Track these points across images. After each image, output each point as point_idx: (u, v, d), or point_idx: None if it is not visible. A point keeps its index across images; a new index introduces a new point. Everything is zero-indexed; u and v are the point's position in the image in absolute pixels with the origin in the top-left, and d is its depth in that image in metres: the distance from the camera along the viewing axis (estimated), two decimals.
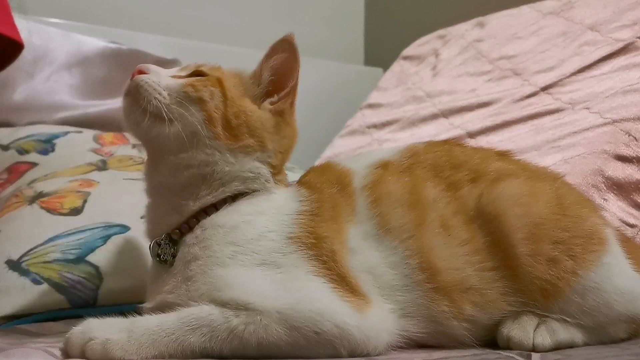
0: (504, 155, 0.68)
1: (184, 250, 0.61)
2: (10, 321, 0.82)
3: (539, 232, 0.60)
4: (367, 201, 0.63)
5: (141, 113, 0.62)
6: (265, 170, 0.65)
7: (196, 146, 0.62)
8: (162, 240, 0.63)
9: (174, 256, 0.61)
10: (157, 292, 0.60)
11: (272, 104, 0.67)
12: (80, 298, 0.85)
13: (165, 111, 0.61)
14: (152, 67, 0.65)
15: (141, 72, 0.64)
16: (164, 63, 1.51)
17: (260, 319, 0.54)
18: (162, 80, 0.64)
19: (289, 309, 0.54)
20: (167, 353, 0.53)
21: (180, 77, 0.66)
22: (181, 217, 0.63)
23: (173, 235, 0.62)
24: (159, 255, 0.62)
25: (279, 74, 0.67)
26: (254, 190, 0.64)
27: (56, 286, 0.85)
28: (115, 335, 0.52)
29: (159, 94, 0.62)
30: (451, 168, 0.64)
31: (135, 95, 0.63)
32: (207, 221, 0.61)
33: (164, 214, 0.64)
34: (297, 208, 0.62)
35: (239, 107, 0.64)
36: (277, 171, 0.66)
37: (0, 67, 0.92)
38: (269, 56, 0.68)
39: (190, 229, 0.62)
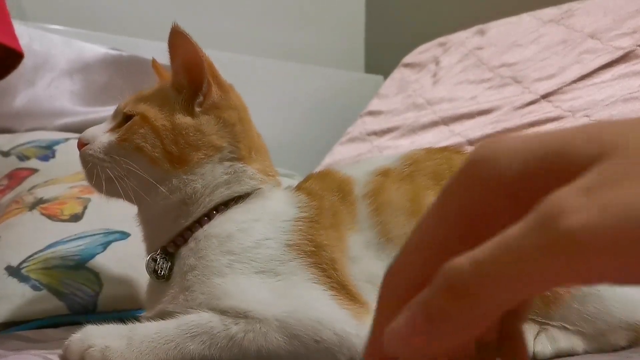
0: None
1: (180, 263, 0.61)
2: (10, 327, 0.82)
3: None
4: (368, 210, 0.63)
5: (97, 181, 0.64)
6: (238, 166, 0.64)
7: (159, 184, 0.62)
8: (157, 255, 0.62)
9: (170, 269, 0.61)
10: (155, 303, 0.60)
11: (200, 105, 0.65)
12: (80, 304, 0.85)
13: (113, 174, 0.63)
14: (89, 134, 0.66)
15: (82, 145, 0.65)
16: (165, 69, 1.51)
17: (260, 327, 0.54)
18: (99, 145, 0.64)
19: (288, 317, 0.54)
20: (167, 359, 0.53)
21: (114, 129, 0.66)
22: (175, 231, 0.62)
23: (169, 248, 0.62)
24: (155, 271, 0.62)
25: (190, 70, 0.65)
26: (246, 194, 0.64)
27: (56, 292, 0.85)
28: (114, 343, 0.52)
29: (101, 160, 0.63)
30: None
31: (85, 168, 0.65)
32: (200, 232, 0.61)
33: (157, 232, 0.64)
34: (295, 214, 0.62)
35: (173, 133, 0.63)
36: (250, 160, 0.66)
37: (1, 76, 0.92)
38: (172, 58, 0.65)
39: (185, 241, 0.62)
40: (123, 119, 0.65)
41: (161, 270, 0.61)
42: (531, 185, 0.25)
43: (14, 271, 0.86)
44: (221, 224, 0.61)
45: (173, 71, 0.66)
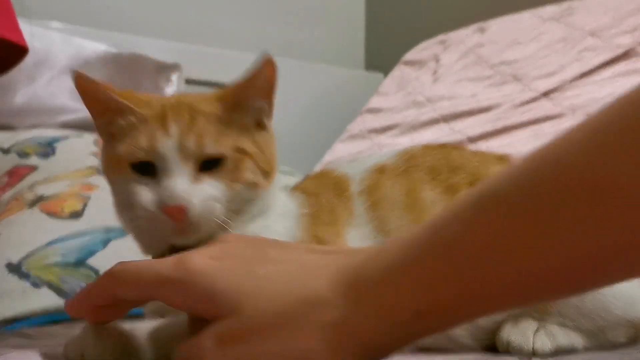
0: (502, 159, 0.68)
1: None
2: (10, 324, 0.82)
3: None
4: (365, 205, 0.63)
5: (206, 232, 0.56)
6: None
7: (254, 205, 0.60)
8: (166, 252, 0.60)
9: None
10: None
11: (268, 117, 0.61)
12: None
13: (225, 219, 0.56)
14: (181, 194, 0.54)
15: (180, 210, 0.54)
16: (166, 68, 1.51)
17: None
18: (210, 198, 0.55)
19: None
20: (168, 356, 0.52)
21: (197, 175, 0.55)
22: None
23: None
24: None
25: (267, 92, 0.60)
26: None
27: (56, 289, 0.85)
28: (114, 340, 0.52)
29: (219, 214, 0.56)
30: (449, 171, 0.64)
31: (202, 231, 0.56)
32: (235, 229, 0.59)
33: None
34: (298, 212, 0.62)
35: (262, 153, 0.59)
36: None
37: (4, 70, 0.92)
38: (255, 83, 0.59)
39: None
40: (201, 161, 0.55)
41: None
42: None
43: (14, 268, 0.87)
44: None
45: (247, 95, 0.59)
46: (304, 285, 0.39)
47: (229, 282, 0.41)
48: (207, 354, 0.40)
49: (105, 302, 0.47)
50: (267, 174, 0.59)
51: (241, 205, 0.57)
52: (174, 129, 0.55)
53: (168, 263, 0.43)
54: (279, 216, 0.61)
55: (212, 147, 0.55)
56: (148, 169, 0.56)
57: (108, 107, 0.59)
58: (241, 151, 0.57)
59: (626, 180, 0.30)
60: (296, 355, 0.38)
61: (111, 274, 0.45)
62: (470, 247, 0.35)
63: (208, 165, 0.56)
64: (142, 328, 0.53)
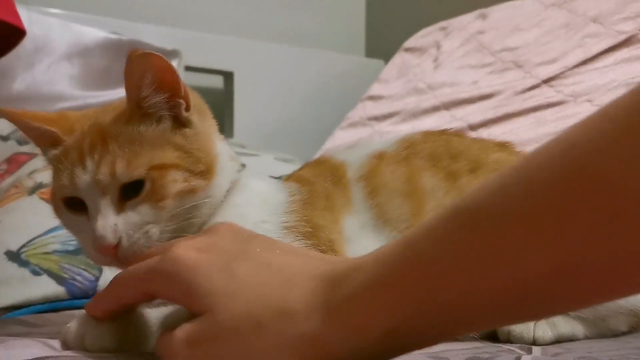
0: (503, 146, 0.68)
1: None
2: (10, 312, 0.82)
3: None
4: (363, 192, 0.62)
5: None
6: None
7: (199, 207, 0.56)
8: None
9: None
10: None
11: (187, 109, 0.56)
12: (80, 289, 0.85)
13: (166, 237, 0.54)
14: (107, 231, 0.52)
15: (111, 248, 0.52)
16: (165, 54, 1.50)
17: None
18: (135, 228, 0.53)
19: None
20: None
21: (121, 205, 0.53)
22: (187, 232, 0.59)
23: None
24: None
25: (166, 85, 0.54)
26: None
27: (56, 277, 0.85)
28: (114, 328, 0.51)
29: (152, 240, 0.53)
30: (449, 158, 0.64)
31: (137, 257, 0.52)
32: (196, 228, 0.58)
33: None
34: (287, 198, 0.61)
35: (188, 154, 0.55)
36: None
37: (2, 54, 0.91)
38: (140, 83, 0.54)
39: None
40: (122, 189, 0.53)
41: None
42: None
43: (13, 256, 0.87)
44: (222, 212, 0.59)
45: (142, 98, 0.54)
46: (279, 294, 0.39)
47: (206, 279, 0.40)
48: (178, 352, 0.40)
49: (115, 308, 0.47)
50: (203, 173, 0.55)
51: (182, 216, 0.54)
52: (88, 162, 0.52)
53: (157, 256, 0.44)
54: (255, 204, 0.60)
55: (125, 175, 0.52)
56: (78, 203, 0.54)
57: (39, 135, 0.57)
58: (159, 167, 0.53)
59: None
60: None
61: (112, 281, 0.47)
62: (440, 263, 0.34)
63: (131, 189, 0.52)
64: (144, 314, 0.53)
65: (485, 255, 0.32)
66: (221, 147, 0.59)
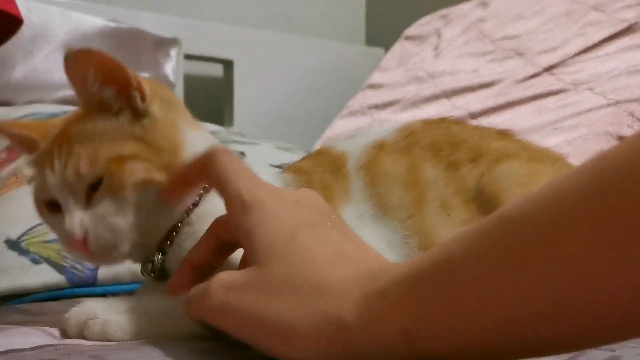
0: (504, 134, 0.68)
1: (176, 251, 0.58)
2: (10, 300, 0.82)
3: None
4: (363, 182, 0.62)
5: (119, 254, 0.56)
6: None
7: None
8: (153, 256, 0.59)
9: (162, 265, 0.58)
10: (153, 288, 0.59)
11: (143, 100, 0.56)
12: (80, 278, 0.85)
13: (132, 235, 0.55)
14: (73, 225, 0.53)
15: (79, 242, 0.53)
16: (165, 43, 1.50)
17: None
18: (102, 221, 0.54)
19: None
20: (167, 334, 0.52)
21: (87, 202, 0.54)
22: (167, 228, 0.58)
23: (165, 247, 0.57)
24: (153, 271, 0.59)
25: (112, 79, 0.55)
26: None
27: (56, 266, 0.85)
28: (114, 317, 0.51)
29: (121, 233, 0.54)
30: (450, 147, 0.63)
31: (107, 257, 0.56)
32: (193, 216, 0.58)
33: (148, 237, 0.58)
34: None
35: (148, 146, 0.55)
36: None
37: (0, 43, 0.91)
38: (83, 81, 0.54)
39: (177, 233, 0.59)
40: (89, 188, 0.53)
41: (159, 272, 0.58)
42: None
43: (13, 244, 0.87)
44: (211, 202, 0.59)
45: (90, 95, 0.54)
46: (324, 271, 0.40)
47: (270, 230, 0.43)
48: (212, 295, 0.42)
49: (213, 247, 0.51)
50: (167, 165, 0.55)
51: (150, 207, 0.54)
52: (56, 164, 0.54)
53: (249, 186, 0.46)
54: None
55: (89, 175, 0.53)
56: (55, 204, 0.55)
57: (20, 141, 0.58)
58: (117, 159, 0.53)
59: None
60: (286, 329, 0.39)
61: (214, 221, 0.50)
62: (469, 267, 0.33)
63: (97, 186, 0.53)
64: (157, 304, 0.53)
65: (516, 264, 0.31)
66: (194, 137, 0.58)
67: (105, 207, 0.53)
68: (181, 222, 0.57)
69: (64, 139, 0.55)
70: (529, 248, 0.31)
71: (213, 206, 0.57)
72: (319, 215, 0.46)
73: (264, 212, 0.44)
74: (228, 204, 0.47)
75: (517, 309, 0.31)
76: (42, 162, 0.55)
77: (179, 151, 0.56)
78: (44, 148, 0.56)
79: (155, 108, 0.56)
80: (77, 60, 0.53)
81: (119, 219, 0.54)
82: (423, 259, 0.36)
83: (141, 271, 0.59)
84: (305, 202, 0.47)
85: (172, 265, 0.56)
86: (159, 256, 0.57)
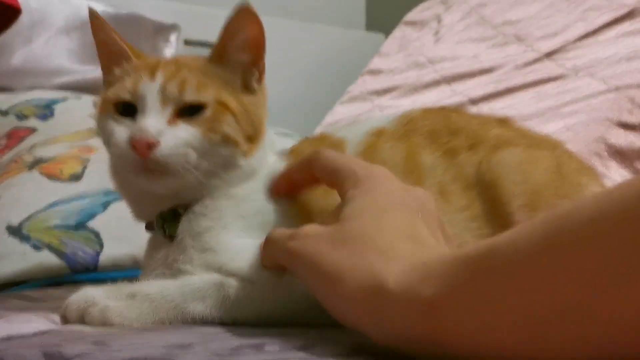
0: (503, 122, 0.68)
1: (192, 220, 0.58)
2: (11, 287, 0.82)
3: (538, 199, 0.59)
4: None
5: (174, 183, 0.57)
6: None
7: (234, 168, 0.60)
8: (167, 214, 0.60)
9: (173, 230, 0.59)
10: (157, 263, 0.59)
11: (258, 81, 0.62)
12: (81, 264, 0.85)
13: (196, 172, 0.56)
14: (152, 129, 0.54)
15: (148, 144, 0.54)
16: (164, 28, 1.50)
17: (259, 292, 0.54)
18: (179, 140, 0.55)
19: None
20: (167, 319, 0.53)
21: (174, 119, 0.56)
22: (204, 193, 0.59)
23: (179, 209, 0.59)
24: (164, 230, 0.60)
25: (253, 48, 0.61)
26: None
27: (57, 252, 0.85)
28: (114, 302, 0.52)
29: (188, 158, 0.55)
30: (449, 134, 0.63)
31: (167, 173, 0.55)
32: (221, 192, 0.59)
33: (169, 199, 0.59)
34: None
35: (246, 114, 0.59)
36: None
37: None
38: (233, 35, 0.59)
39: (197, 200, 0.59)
40: (180, 107, 0.56)
41: (169, 231, 0.59)
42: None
43: (14, 231, 0.87)
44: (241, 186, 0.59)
45: (229, 48, 0.60)
46: (394, 242, 0.42)
47: (368, 198, 0.47)
48: (295, 240, 0.46)
49: (308, 175, 0.55)
50: (250, 137, 0.59)
51: (217, 162, 0.57)
52: (159, 76, 0.57)
53: (365, 165, 0.51)
54: (265, 177, 0.60)
55: (192, 94, 0.56)
56: (130, 110, 0.57)
57: (111, 51, 0.61)
58: (222, 104, 0.57)
59: None
60: (335, 273, 0.41)
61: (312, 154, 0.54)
62: (508, 258, 0.33)
63: (188, 113, 0.56)
64: (140, 288, 0.53)
65: (556, 261, 0.31)
66: (268, 131, 0.63)
67: (191, 135, 0.55)
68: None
69: (173, 62, 0.59)
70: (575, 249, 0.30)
71: (241, 190, 0.59)
72: (418, 207, 0.47)
73: (373, 184, 0.48)
74: (341, 181, 0.50)
75: (545, 306, 0.31)
76: (137, 71, 0.58)
77: (261, 134, 0.61)
78: (142, 63, 0.59)
79: (263, 90, 0.63)
80: (244, 17, 0.59)
81: (193, 155, 0.56)
82: (473, 245, 0.36)
83: (147, 226, 0.61)
84: (413, 193, 0.49)
85: (182, 234, 0.58)
86: (171, 217, 0.59)
